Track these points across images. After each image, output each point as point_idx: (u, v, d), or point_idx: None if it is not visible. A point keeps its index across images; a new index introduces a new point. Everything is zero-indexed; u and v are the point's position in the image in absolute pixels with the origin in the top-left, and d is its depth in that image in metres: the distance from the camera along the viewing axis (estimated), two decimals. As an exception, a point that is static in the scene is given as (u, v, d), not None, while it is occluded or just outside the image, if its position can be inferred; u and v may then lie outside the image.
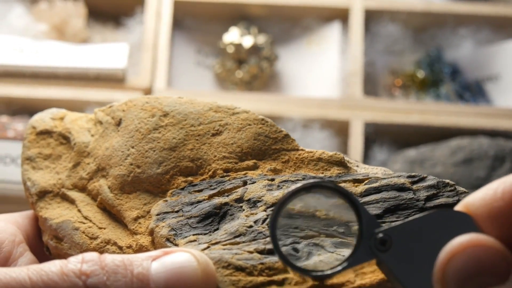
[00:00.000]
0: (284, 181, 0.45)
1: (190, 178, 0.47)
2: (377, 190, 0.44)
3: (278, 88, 1.17)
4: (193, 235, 0.44)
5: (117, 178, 0.48)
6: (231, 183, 0.46)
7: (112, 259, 0.38)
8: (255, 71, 1.14)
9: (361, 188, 0.45)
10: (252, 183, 0.46)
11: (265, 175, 0.46)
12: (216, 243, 0.42)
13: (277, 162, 0.48)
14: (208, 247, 0.42)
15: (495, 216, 0.34)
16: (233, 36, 1.16)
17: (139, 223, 0.47)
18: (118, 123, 0.50)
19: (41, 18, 1.13)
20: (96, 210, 0.49)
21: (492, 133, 1.06)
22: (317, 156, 0.47)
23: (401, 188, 0.44)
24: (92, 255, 0.38)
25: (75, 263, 0.37)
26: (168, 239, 0.44)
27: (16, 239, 0.48)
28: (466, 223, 0.35)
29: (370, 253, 0.37)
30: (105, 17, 1.20)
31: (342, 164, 0.47)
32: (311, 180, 0.39)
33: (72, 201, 0.50)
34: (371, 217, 0.38)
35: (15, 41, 1.08)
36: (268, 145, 0.48)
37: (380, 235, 0.37)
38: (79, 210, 0.49)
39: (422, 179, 0.44)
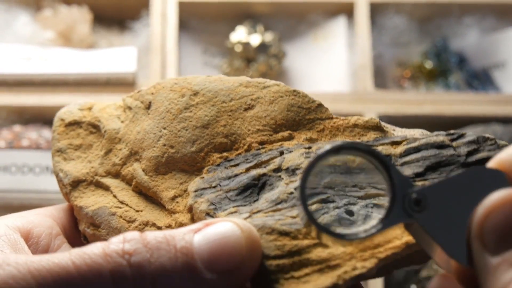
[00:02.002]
0: (320, 148, 0.44)
1: (225, 154, 0.47)
2: (417, 149, 0.43)
3: (287, 85, 1.17)
4: (233, 207, 0.43)
5: (151, 160, 0.48)
6: (267, 155, 0.46)
7: (154, 236, 0.37)
8: (264, 69, 1.14)
9: (400, 149, 0.44)
10: (289, 153, 0.45)
11: (301, 144, 0.46)
12: (258, 211, 0.42)
13: (312, 131, 0.47)
14: (250, 216, 0.42)
15: None
16: (240, 35, 1.16)
17: (177, 202, 0.47)
18: (148, 107, 0.50)
19: (47, 25, 1.13)
20: (132, 194, 0.49)
21: (505, 120, 1.07)
22: (353, 122, 0.47)
23: (440, 146, 0.43)
24: (133, 234, 0.37)
25: (117, 243, 0.37)
26: (208, 214, 0.43)
27: (53, 232, 0.48)
28: (499, 179, 0.35)
29: (404, 214, 0.36)
30: (109, 21, 1.20)
31: (378, 128, 0.46)
32: (339, 142, 0.38)
33: (106, 188, 0.50)
34: (403, 177, 0.37)
35: (23, 50, 1.08)
36: (302, 115, 0.48)
37: (414, 195, 0.36)
38: (114, 196, 0.49)
39: (461, 136, 0.44)
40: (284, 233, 0.39)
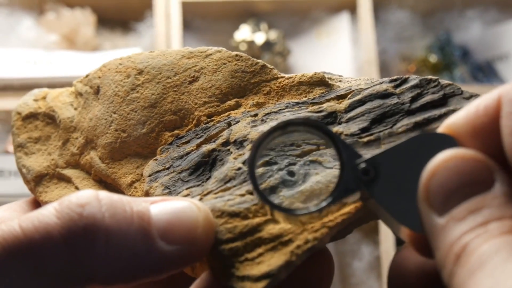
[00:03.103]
0: (267, 114, 0.44)
1: (176, 131, 0.46)
2: (361, 102, 0.43)
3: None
4: (186, 189, 0.42)
5: (105, 147, 0.47)
6: (216, 128, 0.45)
7: (109, 195, 0.36)
8: (269, 67, 1.14)
9: (344, 103, 0.43)
10: (236, 123, 0.44)
11: (248, 111, 0.45)
12: (208, 193, 0.41)
13: (259, 95, 0.46)
14: (201, 198, 0.41)
15: (479, 132, 0.34)
16: (245, 33, 1.16)
17: (135, 187, 0.46)
18: (97, 91, 0.49)
19: (51, 28, 1.12)
20: (93, 183, 0.48)
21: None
22: (297, 80, 0.46)
23: (384, 95, 0.43)
24: (87, 191, 0.36)
25: (69, 198, 0.35)
26: None
27: None
28: (449, 144, 0.34)
29: (354, 185, 0.36)
30: (112, 23, 1.20)
31: (323, 83, 0.45)
32: (284, 119, 0.37)
33: (68, 180, 0.49)
34: (351, 149, 0.36)
35: (28, 54, 1.07)
36: (247, 80, 0.46)
37: (362, 165, 0.36)
38: (76, 187, 0.48)
39: (405, 81, 0.43)
40: (234, 214, 0.39)
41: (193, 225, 0.37)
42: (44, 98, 0.52)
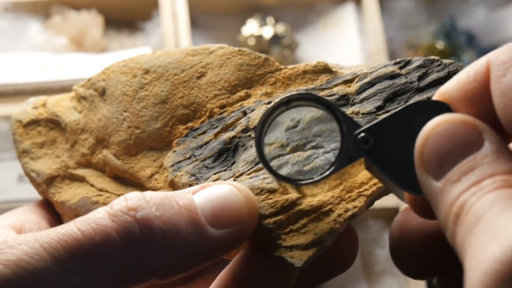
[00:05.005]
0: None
1: (190, 124, 0.47)
2: (370, 84, 0.44)
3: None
4: (214, 174, 0.44)
5: (119, 144, 0.48)
6: (231, 117, 0.46)
7: (155, 194, 0.38)
8: (278, 60, 1.14)
9: (354, 86, 0.45)
10: (252, 111, 0.46)
11: (260, 100, 0.46)
12: (240, 174, 0.43)
13: (266, 86, 0.48)
14: (234, 180, 0.43)
15: (470, 97, 0.35)
16: (252, 28, 1.16)
17: (155, 179, 0.47)
18: (103, 93, 0.50)
19: (58, 31, 1.12)
20: (109, 180, 0.49)
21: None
22: (302, 69, 0.47)
23: (392, 76, 0.44)
24: (134, 193, 0.37)
25: (119, 203, 0.37)
26: (191, 185, 0.44)
27: (42, 226, 0.48)
28: (444, 110, 0.36)
29: (355, 153, 0.37)
30: (119, 24, 1.19)
31: (327, 70, 0.47)
32: (287, 94, 0.39)
33: (81, 179, 0.50)
34: (350, 119, 0.38)
35: (38, 58, 1.07)
36: (253, 72, 0.48)
37: (362, 134, 0.37)
38: (92, 185, 0.49)
39: (408, 62, 0.45)
40: (272, 191, 0.41)
41: (238, 207, 0.38)
42: (43, 105, 0.53)
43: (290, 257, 0.38)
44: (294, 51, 1.16)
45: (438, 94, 0.37)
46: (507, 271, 0.27)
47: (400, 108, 0.38)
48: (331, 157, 0.41)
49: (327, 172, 0.38)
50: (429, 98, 0.42)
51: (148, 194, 0.37)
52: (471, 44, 1.19)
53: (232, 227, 0.38)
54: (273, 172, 0.39)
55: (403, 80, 0.44)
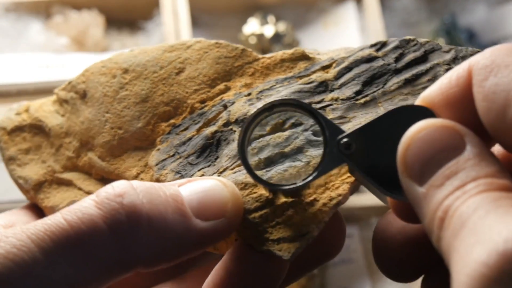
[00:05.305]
0: (260, 91, 0.45)
1: (172, 121, 0.47)
2: (348, 68, 0.44)
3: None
4: (198, 170, 0.44)
5: (104, 146, 0.48)
6: (212, 111, 0.46)
7: (141, 183, 0.38)
8: (280, 59, 1.14)
9: (332, 72, 0.45)
10: (232, 104, 0.46)
11: (240, 93, 0.46)
12: (224, 170, 0.43)
13: (245, 77, 0.47)
14: (219, 176, 0.42)
15: (453, 102, 0.35)
16: (253, 26, 1.16)
17: (141, 178, 0.47)
18: (84, 96, 0.50)
19: (59, 31, 1.12)
20: (96, 182, 0.49)
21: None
22: (279, 58, 0.47)
23: (369, 59, 0.44)
24: (121, 181, 0.38)
25: (106, 190, 0.37)
26: None
27: None
28: (426, 115, 0.35)
29: (337, 159, 0.37)
30: (120, 23, 1.19)
31: (305, 57, 0.47)
32: (271, 100, 0.39)
33: (69, 183, 0.50)
34: (333, 124, 0.38)
35: (39, 58, 1.07)
36: (231, 64, 0.48)
37: (345, 139, 0.37)
38: (79, 188, 0.49)
39: (384, 44, 0.45)
40: (256, 184, 0.41)
41: (224, 200, 0.39)
42: (26, 110, 0.53)
43: (278, 250, 0.38)
44: (295, 50, 1.17)
45: (421, 99, 0.37)
46: (493, 275, 0.27)
47: (382, 113, 0.38)
48: (309, 135, 0.41)
49: (310, 178, 0.38)
50: (406, 80, 0.42)
51: (135, 182, 0.37)
52: (472, 42, 1.20)
53: (217, 220, 0.38)
54: (257, 178, 0.39)
55: (380, 62, 0.43)
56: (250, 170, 0.39)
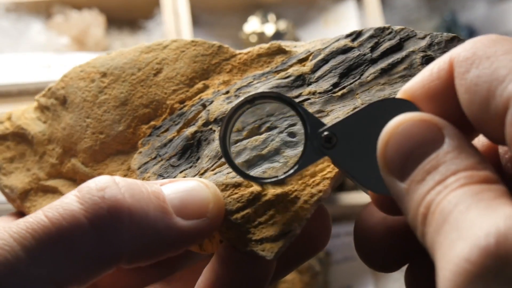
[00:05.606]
0: (238, 88, 0.45)
1: (152, 123, 0.47)
2: (325, 61, 0.44)
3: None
4: (180, 172, 0.44)
5: (86, 152, 0.48)
6: (191, 111, 0.46)
7: (124, 179, 0.37)
8: (281, 57, 1.14)
9: (309, 65, 0.44)
10: (211, 103, 0.45)
11: (218, 91, 0.46)
12: (205, 171, 0.43)
13: (223, 74, 0.47)
14: (200, 177, 0.42)
15: (434, 95, 0.35)
16: (254, 25, 1.16)
17: None
18: (64, 102, 0.49)
19: (60, 31, 1.12)
20: None
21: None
22: (256, 53, 0.47)
23: (344, 50, 0.43)
24: (103, 176, 0.37)
25: (88, 184, 0.36)
26: None
27: None
28: (408, 108, 0.35)
29: (319, 152, 0.37)
30: (120, 22, 1.19)
31: (281, 51, 0.46)
32: (253, 93, 0.39)
33: (54, 190, 0.49)
34: (314, 118, 0.38)
35: (42, 58, 1.07)
36: (208, 62, 0.47)
37: (325, 133, 0.37)
38: None
39: (360, 34, 0.44)
40: (237, 185, 0.41)
41: (205, 201, 0.39)
42: (9, 118, 0.52)
43: (261, 250, 0.38)
44: (296, 48, 1.17)
45: (402, 91, 0.36)
46: (476, 270, 0.27)
47: (363, 106, 0.37)
48: (285, 137, 0.41)
49: (291, 171, 0.38)
50: (383, 70, 0.42)
51: (117, 177, 0.37)
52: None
53: (198, 219, 0.38)
54: (238, 171, 0.39)
55: (356, 53, 0.43)
56: (232, 164, 0.39)
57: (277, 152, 0.42)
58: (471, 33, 1.20)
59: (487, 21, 1.21)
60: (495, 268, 0.26)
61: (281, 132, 0.42)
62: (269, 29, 1.15)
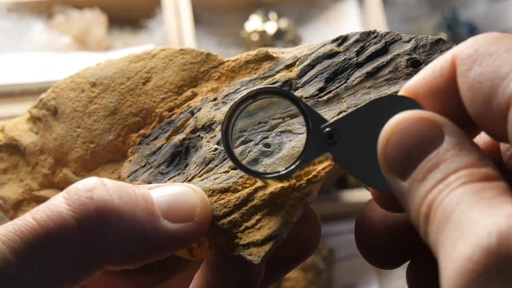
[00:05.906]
0: (226, 95, 0.46)
1: (142, 131, 0.47)
2: (311, 66, 0.44)
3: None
4: (169, 179, 0.44)
5: (77, 161, 0.48)
6: (180, 119, 0.46)
7: (111, 181, 0.37)
8: (283, 55, 1.14)
9: (295, 70, 0.44)
10: (199, 110, 0.46)
11: (206, 98, 0.46)
12: (192, 177, 0.43)
13: (211, 81, 0.47)
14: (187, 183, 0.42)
15: (436, 92, 0.34)
16: (255, 23, 1.16)
17: None
18: (55, 112, 0.50)
19: (62, 31, 1.12)
20: None
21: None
22: (244, 60, 0.47)
23: (330, 55, 0.44)
24: (91, 178, 0.37)
25: (76, 186, 0.36)
26: None
27: None
28: (410, 106, 0.35)
29: (320, 148, 0.37)
30: (122, 21, 1.19)
31: (269, 57, 0.46)
32: (256, 87, 0.39)
33: (46, 200, 0.48)
34: (316, 114, 0.38)
35: (43, 58, 1.07)
36: (196, 70, 0.48)
37: (327, 129, 0.37)
38: None
39: (346, 39, 0.44)
40: (224, 190, 0.41)
41: (193, 205, 0.39)
42: (2, 130, 0.52)
43: (248, 255, 0.38)
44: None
45: (405, 89, 0.36)
46: (479, 269, 0.26)
47: (366, 102, 0.37)
48: (262, 147, 0.42)
49: (293, 166, 0.38)
50: (368, 73, 0.42)
51: (105, 179, 0.37)
52: (473, 36, 1.20)
53: (185, 223, 0.38)
54: (241, 166, 0.39)
55: (341, 57, 0.43)
56: (235, 159, 0.39)
57: (255, 161, 0.42)
58: (472, 30, 1.20)
59: (488, 18, 1.21)
60: (498, 268, 0.26)
61: (256, 144, 0.42)
62: (271, 27, 1.15)
